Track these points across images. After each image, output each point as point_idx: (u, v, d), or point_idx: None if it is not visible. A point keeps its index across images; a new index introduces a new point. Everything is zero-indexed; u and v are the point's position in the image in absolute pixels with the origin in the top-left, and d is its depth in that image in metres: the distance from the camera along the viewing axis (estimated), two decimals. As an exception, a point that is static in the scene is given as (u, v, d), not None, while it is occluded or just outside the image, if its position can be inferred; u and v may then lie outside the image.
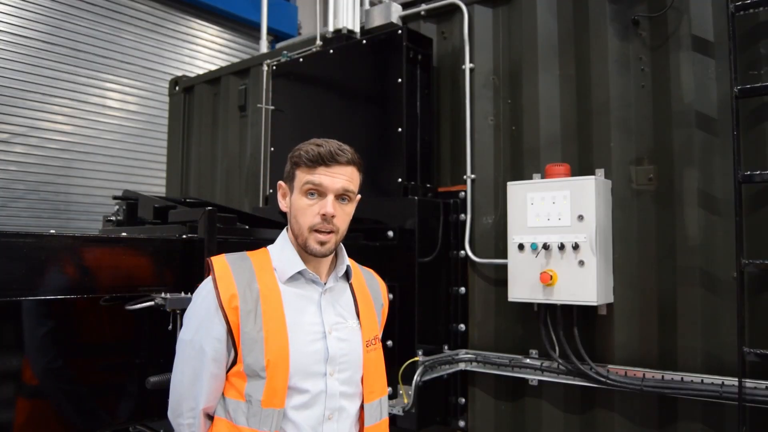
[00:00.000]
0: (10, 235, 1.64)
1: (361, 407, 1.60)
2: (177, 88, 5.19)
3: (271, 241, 2.24)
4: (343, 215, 1.56)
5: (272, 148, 3.70)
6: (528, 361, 2.79)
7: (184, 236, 2.07)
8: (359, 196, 1.63)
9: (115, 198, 2.88)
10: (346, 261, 1.65)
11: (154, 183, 6.33)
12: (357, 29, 3.44)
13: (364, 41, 3.24)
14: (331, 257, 1.61)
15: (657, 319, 2.52)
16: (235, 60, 6.08)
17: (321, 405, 1.51)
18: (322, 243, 1.52)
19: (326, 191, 1.52)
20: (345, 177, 1.55)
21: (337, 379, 1.54)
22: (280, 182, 1.62)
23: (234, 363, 1.47)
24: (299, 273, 1.56)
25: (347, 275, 1.67)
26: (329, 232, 1.53)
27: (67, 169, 5.98)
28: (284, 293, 1.55)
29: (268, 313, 1.51)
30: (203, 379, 1.46)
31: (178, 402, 1.51)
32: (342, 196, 1.55)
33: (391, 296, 1.82)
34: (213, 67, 6.22)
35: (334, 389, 1.53)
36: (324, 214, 1.51)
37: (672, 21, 2.56)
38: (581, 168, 2.74)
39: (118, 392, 1.95)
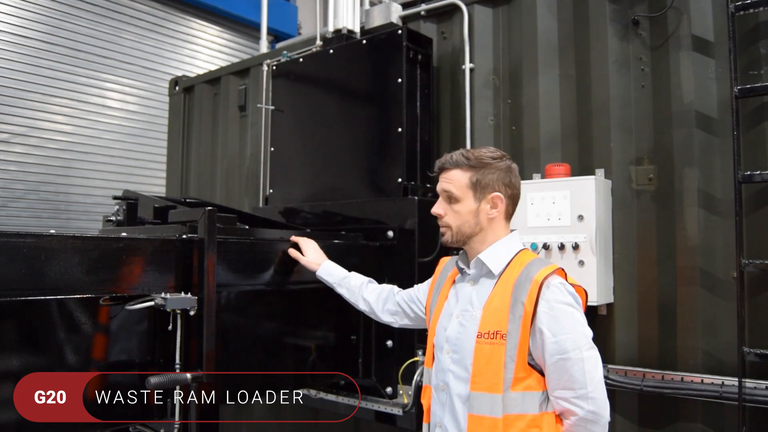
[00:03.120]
0: (10, 235, 1.64)
1: None
2: (177, 88, 5.19)
3: (270, 241, 2.27)
4: (453, 213, 1.79)
5: (272, 148, 3.70)
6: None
7: (184, 236, 2.07)
8: (494, 195, 1.76)
9: (115, 198, 2.87)
10: (487, 256, 1.76)
11: (154, 183, 6.33)
12: (357, 29, 3.44)
13: (364, 41, 3.24)
14: (487, 251, 1.77)
15: (657, 319, 2.52)
16: (235, 60, 6.08)
17: (439, 375, 1.78)
18: (442, 235, 1.85)
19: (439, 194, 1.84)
20: (446, 180, 1.80)
21: (450, 357, 1.74)
22: None
23: None
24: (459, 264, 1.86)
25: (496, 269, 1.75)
26: (444, 227, 1.83)
27: (67, 169, 5.99)
28: (456, 280, 1.87)
29: (442, 290, 1.91)
30: None
31: None
32: (448, 198, 1.80)
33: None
34: (213, 67, 6.22)
35: (445, 364, 1.75)
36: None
37: (672, 21, 2.56)
38: (581, 168, 2.74)
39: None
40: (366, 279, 2.34)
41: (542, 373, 1.63)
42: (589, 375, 1.58)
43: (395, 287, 2.28)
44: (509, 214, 1.84)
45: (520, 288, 1.64)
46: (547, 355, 1.60)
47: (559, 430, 1.62)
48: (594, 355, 1.63)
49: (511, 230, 1.86)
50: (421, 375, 2.77)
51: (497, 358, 1.61)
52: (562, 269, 1.70)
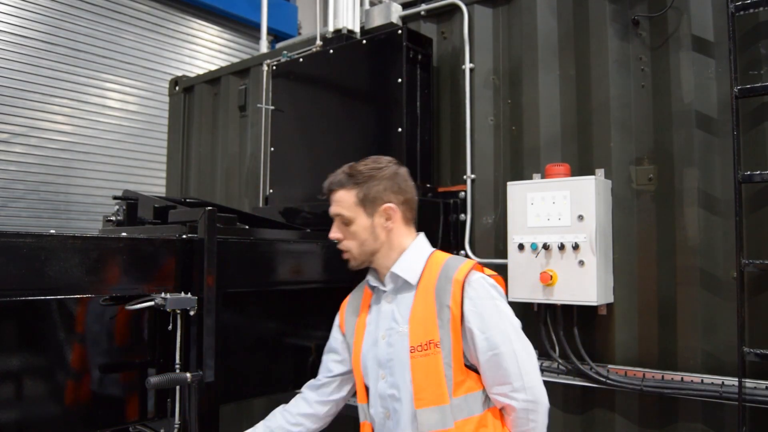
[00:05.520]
0: (10, 235, 1.64)
1: None
2: (177, 88, 5.19)
3: (270, 241, 2.25)
4: (350, 235, 1.74)
5: (272, 148, 3.70)
6: (528, 361, 2.79)
7: (184, 236, 2.07)
8: (385, 206, 1.72)
9: (115, 198, 2.87)
10: (400, 268, 1.71)
11: (154, 183, 6.33)
12: (357, 29, 3.44)
13: (364, 41, 3.24)
14: (398, 262, 1.72)
15: (657, 319, 2.52)
16: (235, 60, 6.07)
17: (379, 404, 1.70)
18: (347, 261, 1.78)
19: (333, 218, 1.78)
20: (335, 203, 1.77)
21: (387, 381, 1.67)
22: None
23: None
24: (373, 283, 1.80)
25: (414, 280, 1.70)
26: (346, 251, 1.77)
27: (67, 169, 5.99)
28: (372, 303, 1.79)
29: (357, 320, 1.82)
30: None
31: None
32: (342, 221, 1.75)
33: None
34: (213, 67, 6.22)
35: (384, 391, 1.68)
36: None
37: (672, 21, 2.55)
38: (581, 168, 2.74)
39: (118, 392, 1.95)
40: (276, 410, 1.99)
41: (478, 372, 1.63)
42: (522, 365, 1.58)
43: (302, 392, 2.03)
44: (408, 219, 1.79)
45: (442, 291, 1.62)
46: (480, 353, 1.59)
47: (500, 424, 1.63)
48: (524, 345, 1.62)
49: (418, 233, 1.83)
50: None
51: (435, 368, 1.58)
52: (479, 264, 1.70)
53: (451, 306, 1.60)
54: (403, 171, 1.80)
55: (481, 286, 1.63)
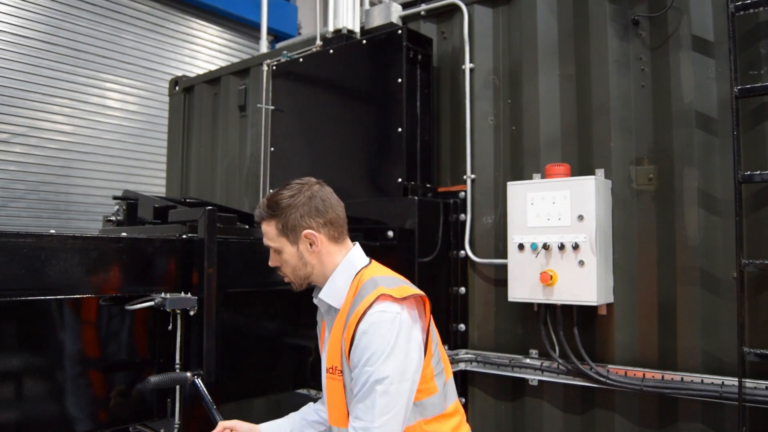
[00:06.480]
0: (10, 235, 1.64)
1: None
2: (177, 88, 5.19)
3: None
4: (283, 263, 1.75)
5: (272, 148, 3.70)
6: (528, 361, 2.79)
7: (184, 236, 2.07)
8: (305, 233, 1.70)
9: (115, 198, 2.87)
10: (326, 293, 1.71)
11: (154, 183, 6.33)
12: (357, 29, 3.44)
13: (364, 41, 3.24)
14: (325, 287, 1.72)
15: (657, 319, 2.52)
16: (235, 60, 6.07)
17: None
18: (291, 287, 1.81)
19: None
20: (264, 235, 1.77)
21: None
22: None
23: None
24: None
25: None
26: (285, 277, 1.80)
27: (67, 169, 5.98)
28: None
29: (320, 336, 1.85)
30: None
31: None
32: (274, 251, 1.76)
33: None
34: (213, 67, 6.22)
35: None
36: None
37: (672, 21, 2.56)
38: (581, 168, 2.74)
39: (118, 392, 1.95)
40: (304, 410, 2.03)
41: None
42: (379, 409, 1.46)
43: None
44: (335, 237, 1.73)
45: (349, 318, 1.58)
46: (355, 384, 1.53)
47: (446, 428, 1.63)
48: (396, 388, 1.49)
49: (354, 244, 1.79)
50: None
51: (339, 392, 1.59)
52: (387, 294, 1.56)
53: (346, 336, 1.56)
54: (323, 192, 1.74)
55: (376, 320, 1.53)
